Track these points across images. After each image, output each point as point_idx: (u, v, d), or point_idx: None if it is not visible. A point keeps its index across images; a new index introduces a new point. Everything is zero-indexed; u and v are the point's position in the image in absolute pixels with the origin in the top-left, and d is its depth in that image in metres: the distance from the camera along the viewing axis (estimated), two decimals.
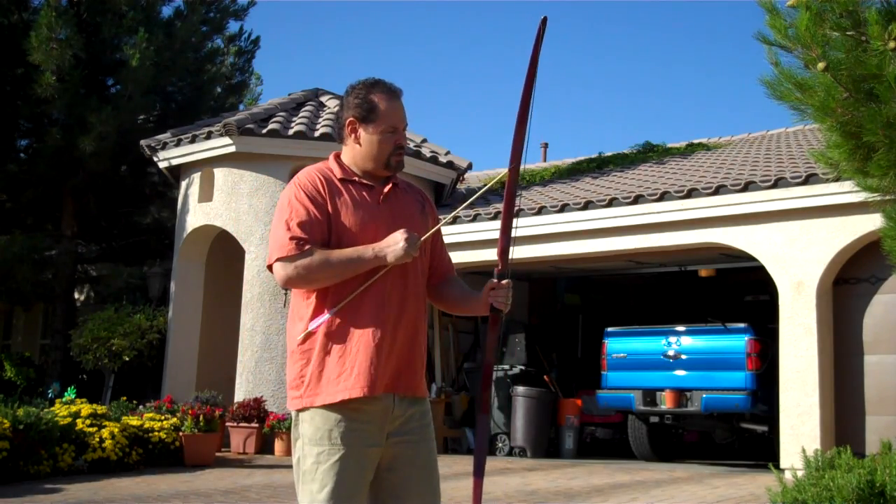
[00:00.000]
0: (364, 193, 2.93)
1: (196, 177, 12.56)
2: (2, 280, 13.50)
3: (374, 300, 2.83)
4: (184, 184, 12.87)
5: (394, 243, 2.79)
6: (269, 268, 2.88)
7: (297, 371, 2.85)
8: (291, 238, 2.81)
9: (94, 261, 16.25)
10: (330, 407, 2.79)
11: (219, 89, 16.57)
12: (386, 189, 2.97)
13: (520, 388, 11.63)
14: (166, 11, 15.42)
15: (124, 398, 11.19)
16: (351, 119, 2.95)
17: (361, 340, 2.81)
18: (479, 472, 2.98)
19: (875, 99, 4.09)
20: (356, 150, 2.97)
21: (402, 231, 2.81)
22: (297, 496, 2.86)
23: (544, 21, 2.99)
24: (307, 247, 2.80)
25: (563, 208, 10.97)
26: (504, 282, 2.92)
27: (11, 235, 13.62)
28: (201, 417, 9.89)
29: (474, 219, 11.62)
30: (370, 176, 2.98)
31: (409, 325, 2.89)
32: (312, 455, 2.78)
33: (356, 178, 2.95)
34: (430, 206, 3.13)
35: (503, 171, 3.02)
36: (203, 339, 12.76)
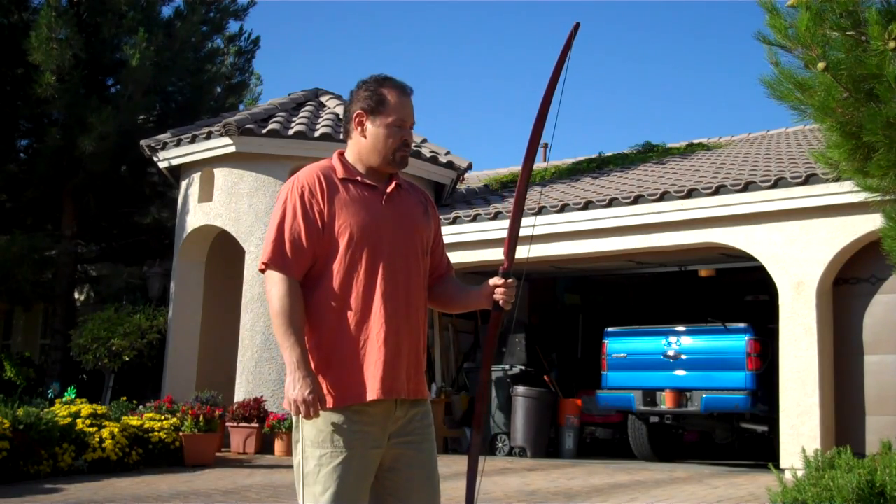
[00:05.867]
0: (366, 193, 2.91)
1: (196, 177, 12.57)
2: (2, 280, 13.49)
3: (379, 304, 2.82)
4: (184, 184, 12.87)
5: (304, 385, 2.71)
6: (262, 271, 2.87)
7: None
8: (278, 254, 2.81)
9: (94, 261, 16.26)
10: (333, 409, 2.78)
11: (219, 89, 16.57)
12: (389, 189, 2.95)
13: (520, 388, 11.63)
14: (166, 11, 15.46)
15: (124, 398, 11.19)
16: (359, 111, 2.93)
17: (369, 345, 2.80)
18: None
19: (875, 99, 4.09)
20: (361, 144, 2.95)
21: (311, 392, 2.71)
22: (297, 498, 2.85)
23: (576, 27, 3.00)
24: (287, 272, 2.80)
25: (563, 208, 10.97)
26: (510, 280, 2.93)
27: (11, 235, 13.62)
28: (201, 417, 9.89)
29: (474, 219, 11.61)
30: (374, 174, 2.95)
31: (414, 326, 2.88)
32: (315, 458, 2.77)
33: (359, 178, 2.93)
34: (433, 206, 3.12)
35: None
36: (203, 339, 12.76)
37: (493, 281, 2.94)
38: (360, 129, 2.94)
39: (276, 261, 2.82)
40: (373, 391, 2.78)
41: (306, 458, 2.79)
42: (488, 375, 3.09)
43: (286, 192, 2.89)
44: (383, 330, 2.80)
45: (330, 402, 2.78)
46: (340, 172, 2.93)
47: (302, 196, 2.85)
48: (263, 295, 11.76)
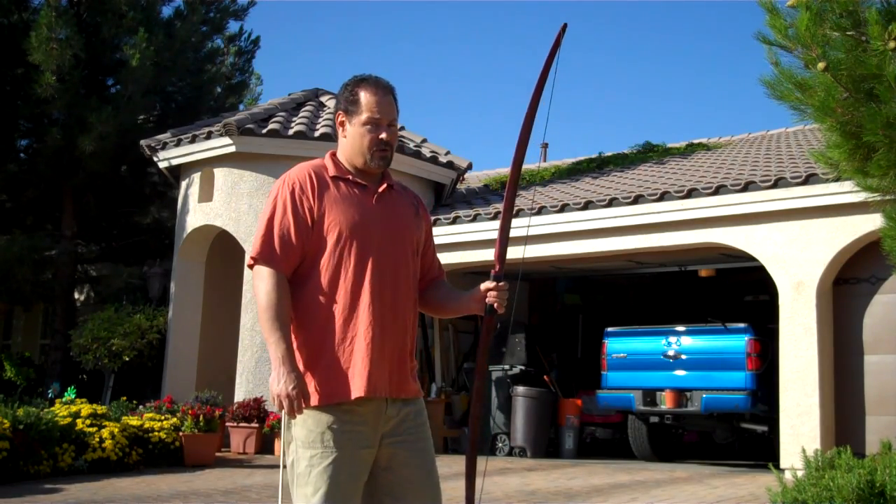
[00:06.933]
0: (356, 192, 2.93)
1: (196, 177, 12.57)
2: (2, 280, 13.48)
3: (366, 302, 2.82)
4: (184, 184, 12.87)
5: (288, 380, 2.70)
6: (251, 266, 2.88)
7: None
8: (267, 249, 2.83)
9: (94, 261, 16.24)
10: (322, 409, 2.78)
11: (219, 89, 16.56)
12: (380, 189, 2.96)
13: (520, 388, 11.62)
14: (166, 11, 15.44)
15: (124, 398, 11.19)
16: (339, 112, 2.98)
17: (356, 342, 2.80)
18: None
19: (875, 99, 4.09)
20: (343, 145, 2.99)
21: (294, 387, 2.70)
22: (292, 499, 2.85)
23: (564, 28, 3.01)
24: (275, 267, 2.81)
25: (563, 208, 10.96)
26: (501, 283, 2.93)
27: (11, 235, 13.62)
28: (201, 417, 9.89)
29: (474, 219, 11.59)
30: (364, 174, 2.97)
31: (401, 325, 2.88)
32: (305, 458, 2.78)
33: (349, 177, 2.95)
34: (424, 209, 3.13)
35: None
36: (203, 339, 12.76)
37: (485, 285, 2.94)
38: (342, 129, 2.98)
39: (265, 256, 2.83)
40: (357, 389, 2.77)
41: (298, 459, 2.80)
42: (482, 378, 3.08)
43: (277, 188, 2.91)
44: (370, 328, 2.80)
45: (316, 399, 2.78)
46: (332, 171, 2.95)
47: (292, 193, 2.87)
48: None
